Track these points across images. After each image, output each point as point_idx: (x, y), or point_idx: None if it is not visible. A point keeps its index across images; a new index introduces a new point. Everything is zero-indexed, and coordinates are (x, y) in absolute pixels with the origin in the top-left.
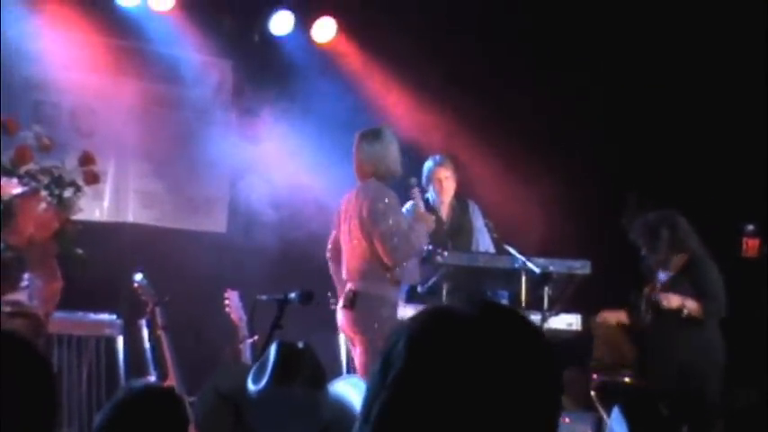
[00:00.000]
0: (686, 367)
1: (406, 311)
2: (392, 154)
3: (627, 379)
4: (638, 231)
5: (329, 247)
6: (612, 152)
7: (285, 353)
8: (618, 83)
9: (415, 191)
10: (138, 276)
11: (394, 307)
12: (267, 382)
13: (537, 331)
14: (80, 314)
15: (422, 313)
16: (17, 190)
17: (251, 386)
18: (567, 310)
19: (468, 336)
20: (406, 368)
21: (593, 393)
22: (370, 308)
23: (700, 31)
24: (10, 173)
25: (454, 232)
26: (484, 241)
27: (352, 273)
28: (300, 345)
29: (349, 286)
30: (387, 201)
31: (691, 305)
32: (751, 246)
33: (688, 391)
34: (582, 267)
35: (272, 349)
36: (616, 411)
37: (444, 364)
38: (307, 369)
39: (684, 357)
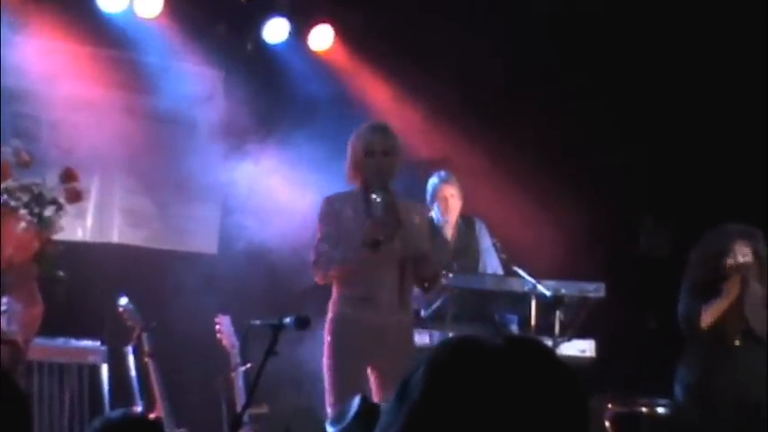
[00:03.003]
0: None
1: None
2: (350, 155)
3: (645, 409)
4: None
5: None
6: (628, 172)
7: (365, 410)
8: (635, 104)
9: (376, 198)
10: (124, 300)
11: (335, 317)
12: (348, 425)
13: (564, 365)
14: (62, 340)
15: (443, 343)
16: None
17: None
18: (580, 336)
19: (492, 367)
20: (423, 399)
21: (607, 424)
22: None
23: (719, 51)
24: None
25: (460, 253)
26: (491, 262)
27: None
28: (383, 405)
29: None
30: (320, 209)
31: None
32: None
33: None
34: (596, 290)
35: (354, 403)
36: None
37: (465, 396)
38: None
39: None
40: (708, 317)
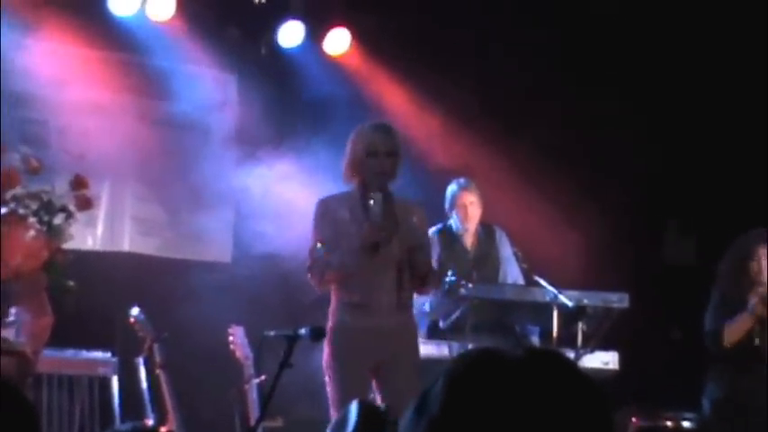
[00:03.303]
0: None
1: (426, 348)
2: (349, 155)
3: (670, 423)
4: None
5: None
6: (652, 176)
7: (367, 414)
8: (658, 106)
9: (375, 199)
10: (135, 311)
11: (334, 326)
12: None
13: (587, 378)
14: (72, 352)
15: (463, 355)
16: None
17: None
18: (603, 348)
19: (513, 380)
20: (442, 412)
21: None
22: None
23: (752, 52)
24: None
25: (479, 262)
26: (512, 272)
27: None
28: (382, 406)
29: None
30: (315, 211)
31: None
32: None
33: None
34: (619, 301)
35: (353, 408)
36: None
37: (485, 410)
38: None
39: None
40: (731, 334)
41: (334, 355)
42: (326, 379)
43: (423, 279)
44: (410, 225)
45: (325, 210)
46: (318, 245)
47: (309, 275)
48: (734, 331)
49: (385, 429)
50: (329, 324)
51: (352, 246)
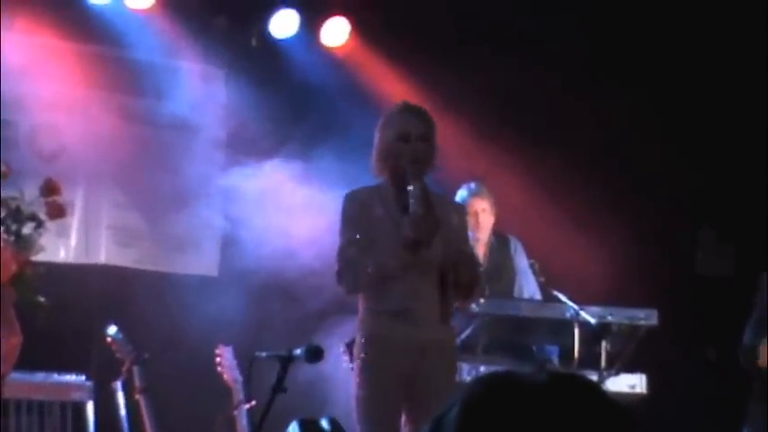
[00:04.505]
0: None
1: None
2: (378, 143)
3: None
4: None
5: None
6: (684, 182)
7: None
8: (689, 109)
9: (415, 188)
10: (112, 329)
11: (368, 338)
12: None
13: (617, 404)
14: (42, 375)
15: (480, 378)
16: None
17: None
18: (630, 370)
19: (535, 407)
20: None
21: None
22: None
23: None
24: None
25: (492, 275)
26: (528, 286)
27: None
28: (325, 424)
29: None
30: (343, 207)
31: None
32: None
33: None
34: (647, 318)
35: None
36: None
37: None
38: None
39: None
40: (766, 354)
41: (369, 372)
42: (355, 400)
43: (467, 290)
44: (450, 225)
45: (358, 204)
46: (351, 241)
47: (340, 280)
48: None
49: None
50: (359, 337)
51: (392, 244)
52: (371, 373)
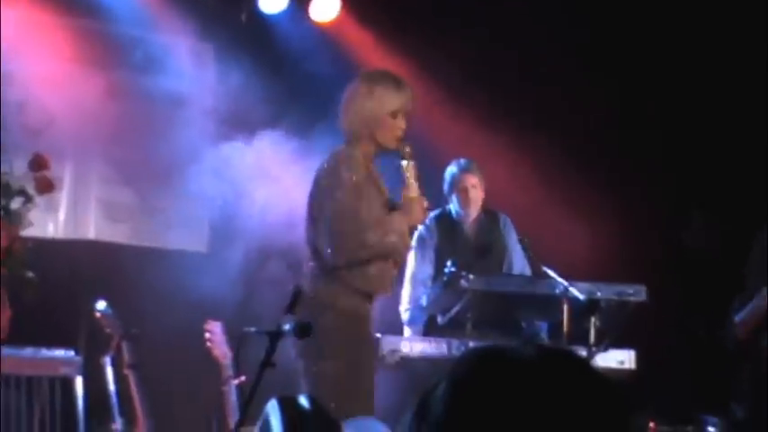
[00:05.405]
0: None
1: (424, 346)
2: (366, 111)
3: (692, 428)
4: None
5: None
6: (673, 160)
7: (291, 417)
8: (679, 83)
9: (409, 165)
10: (101, 305)
11: (350, 317)
12: None
13: (607, 380)
14: (31, 350)
15: (467, 354)
16: None
17: None
18: (618, 345)
19: (524, 382)
20: (448, 417)
21: None
22: (311, 315)
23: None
24: None
25: (482, 251)
26: (518, 262)
27: (315, 271)
28: (305, 402)
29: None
30: (343, 177)
31: None
32: None
33: None
34: (636, 294)
35: (275, 413)
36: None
37: (495, 415)
38: None
39: None
40: (740, 328)
41: (350, 347)
42: (335, 377)
43: None
44: None
45: (361, 177)
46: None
47: (341, 253)
48: (743, 324)
49: (309, 424)
50: (334, 313)
51: (398, 222)
52: (355, 348)
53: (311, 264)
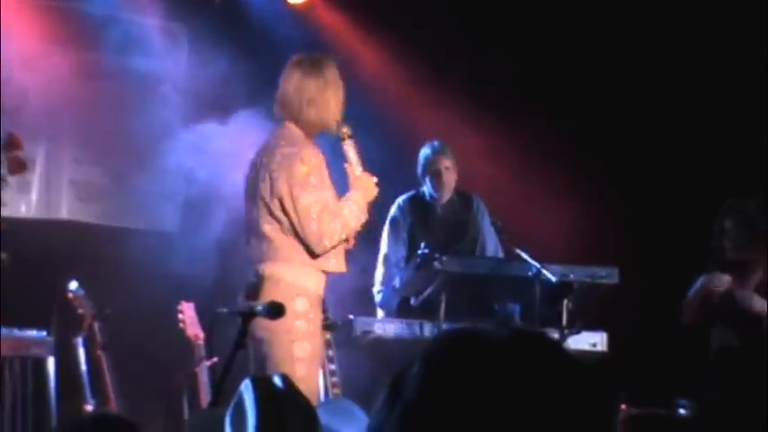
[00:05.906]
0: None
1: (396, 328)
2: (333, 96)
3: (664, 411)
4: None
5: None
6: (646, 141)
7: (265, 397)
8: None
9: (348, 143)
10: (74, 285)
11: (312, 296)
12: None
13: (579, 362)
14: (3, 330)
15: (440, 336)
16: None
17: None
18: (591, 328)
19: (497, 363)
20: (420, 399)
21: (621, 428)
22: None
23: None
24: None
25: (455, 233)
26: (490, 244)
27: (260, 251)
28: (279, 381)
29: (255, 269)
30: (299, 172)
31: None
32: None
33: None
34: (608, 276)
35: (249, 393)
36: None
37: (468, 395)
38: (297, 415)
39: None
40: (686, 310)
41: (315, 330)
42: (302, 360)
43: None
44: None
45: (313, 164)
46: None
47: (322, 239)
48: (688, 305)
49: (291, 415)
50: (303, 296)
51: (354, 198)
52: (316, 333)
53: (259, 245)
